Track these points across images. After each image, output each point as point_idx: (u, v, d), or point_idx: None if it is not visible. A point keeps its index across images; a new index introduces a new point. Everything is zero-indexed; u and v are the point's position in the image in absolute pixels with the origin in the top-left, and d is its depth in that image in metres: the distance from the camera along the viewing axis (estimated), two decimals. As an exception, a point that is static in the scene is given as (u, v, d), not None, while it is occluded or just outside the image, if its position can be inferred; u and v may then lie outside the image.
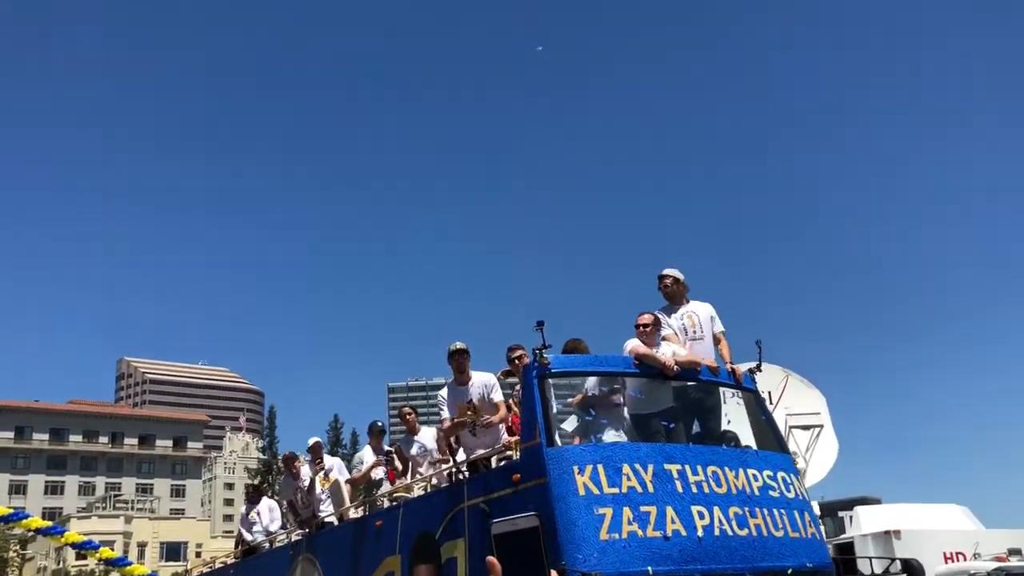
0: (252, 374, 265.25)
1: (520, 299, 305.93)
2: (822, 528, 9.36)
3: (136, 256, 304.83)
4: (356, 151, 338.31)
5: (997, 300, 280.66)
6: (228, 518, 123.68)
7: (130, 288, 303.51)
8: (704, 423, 9.05)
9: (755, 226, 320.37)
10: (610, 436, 8.38)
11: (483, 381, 9.51)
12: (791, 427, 17.23)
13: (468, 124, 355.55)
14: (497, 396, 9.45)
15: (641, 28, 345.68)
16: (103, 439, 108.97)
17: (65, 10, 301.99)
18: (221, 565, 17.65)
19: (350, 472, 12.70)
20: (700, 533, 7.44)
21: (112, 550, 26.01)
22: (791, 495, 8.33)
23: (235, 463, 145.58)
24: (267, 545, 14.59)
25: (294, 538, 13.28)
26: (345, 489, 12.16)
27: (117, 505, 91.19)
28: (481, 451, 9.14)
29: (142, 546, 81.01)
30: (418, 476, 10.80)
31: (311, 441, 13.16)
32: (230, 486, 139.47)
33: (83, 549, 21.65)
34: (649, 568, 7.12)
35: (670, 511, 7.45)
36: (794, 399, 18.37)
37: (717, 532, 7.52)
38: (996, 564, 15.91)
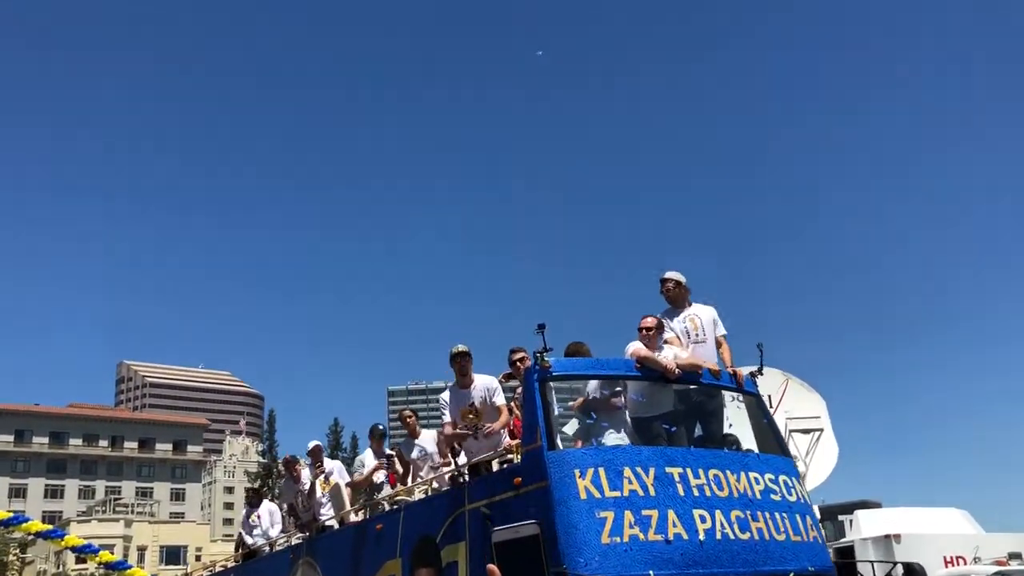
0: (252, 378, 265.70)
1: (520, 300, 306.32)
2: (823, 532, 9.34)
3: (136, 259, 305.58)
4: (356, 151, 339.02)
5: (997, 301, 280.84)
6: (228, 522, 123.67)
7: (130, 291, 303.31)
8: (706, 426, 9.04)
9: (755, 226, 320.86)
10: (611, 439, 8.37)
11: (485, 385, 9.47)
12: (791, 431, 17.20)
13: (468, 124, 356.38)
14: (499, 400, 9.42)
15: (641, 29, 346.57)
16: (103, 443, 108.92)
17: (65, 10, 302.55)
18: (221, 569, 17.65)
19: (350, 475, 12.67)
20: (702, 537, 7.44)
21: (112, 554, 25.95)
22: (793, 499, 8.32)
23: (235, 467, 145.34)
24: (267, 549, 14.57)
25: (294, 542, 13.27)
26: (345, 492, 12.14)
27: (117, 509, 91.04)
28: (482, 455, 9.12)
29: (142, 550, 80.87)
30: (419, 479, 10.79)
31: (311, 444, 13.14)
32: (230, 490, 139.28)
33: (83, 553, 21.58)
34: (651, 572, 7.11)
35: (672, 515, 7.44)
36: (794, 403, 18.35)
37: (719, 536, 7.52)
38: (996, 568, 15.87)
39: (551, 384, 8.18)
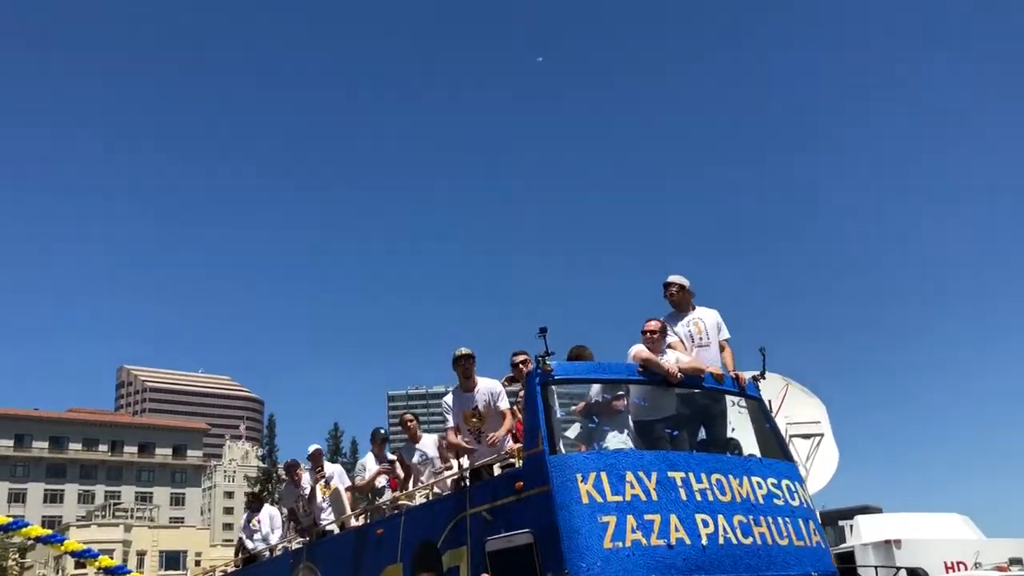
0: (252, 382, 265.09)
1: (521, 301, 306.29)
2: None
3: (136, 259, 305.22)
4: (356, 151, 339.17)
5: (998, 300, 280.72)
6: (228, 526, 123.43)
7: (130, 292, 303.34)
8: (709, 430, 9.02)
9: (755, 226, 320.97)
10: (613, 443, 8.35)
11: (489, 388, 9.40)
12: (791, 436, 17.16)
13: (468, 124, 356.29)
14: (504, 404, 9.34)
15: (641, 29, 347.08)
16: (103, 447, 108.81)
17: (65, 10, 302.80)
18: (221, 574, 17.61)
19: (351, 480, 12.64)
20: (704, 541, 7.42)
21: (111, 559, 25.97)
22: (796, 503, 8.30)
23: (235, 471, 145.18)
24: (267, 553, 14.54)
25: (295, 546, 13.24)
26: (346, 497, 12.11)
27: (116, 513, 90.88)
28: (484, 459, 9.09)
29: (141, 555, 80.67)
30: (420, 484, 10.75)
31: (311, 448, 13.11)
32: (230, 494, 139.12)
33: (82, 558, 21.54)
34: (653, 576, 7.10)
35: (674, 519, 7.43)
36: (794, 407, 18.32)
37: (721, 540, 7.50)
38: (997, 574, 15.84)
39: (553, 388, 8.16)
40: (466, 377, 9.43)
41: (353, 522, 11.78)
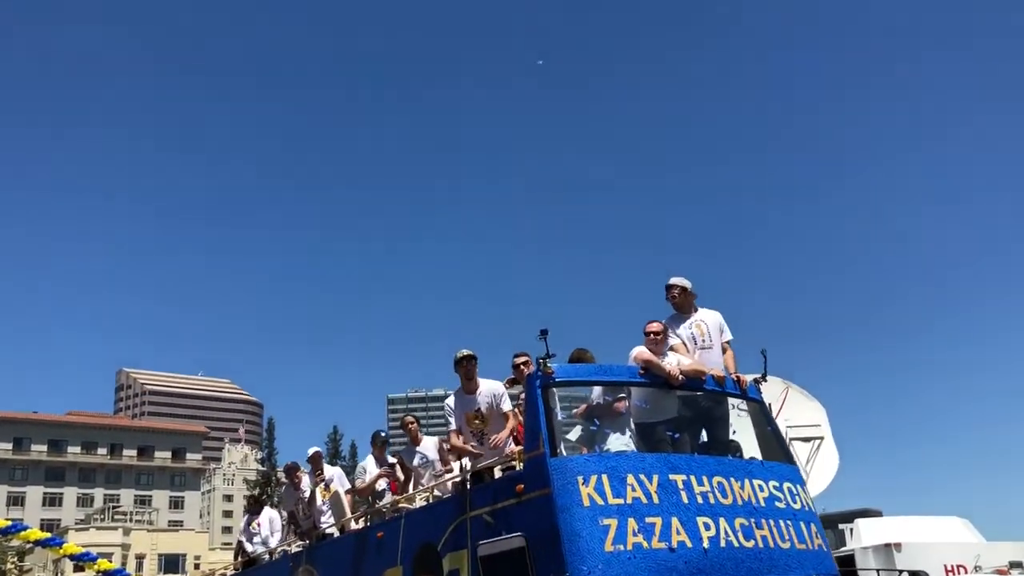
0: (251, 385, 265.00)
1: (521, 301, 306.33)
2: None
3: (136, 259, 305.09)
4: (356, 151, 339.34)
5: (998, 300, 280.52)
6: (227, 530, 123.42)
7: (130, 292, 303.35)
8: (711, 433, 9.00)
9: (755, 226, 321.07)
10: (615, 446, 8.33)
11: (492, 390, 9.35)
12: (791, 439, 17.15)
13: (468, 124, 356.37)
14: (506, 406, 9.29)
15: (641, 28, 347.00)
16: (102, 451, 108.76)
17: (65, 10, 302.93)
18: (220, 577, 17.59)
19: (351, 483, 12.62)
20: (706, 545, 7.40)
21: (110, 562, 25.88)
22: (797, 506, 8.29)
23: (234, 475, 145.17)
24: (267, 556, 14.51)
25: (294, 549, 13.21)
26: (346, 500, 12.09)
27: (115, 517, 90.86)
28: (485, 461, 9.07)
29: (140, 558, 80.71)
30: (420, 487, 10.73)
31: (311, 451, 13.09)
32: (229, 498, 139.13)
33: (81, 561, 21.44)
34: (654, 580, 7.08)
35: (675, 522, 7.41)
36: (794, 411, 18.31)
37: (723, 544, 7.48)
38: (998, 577, 15.84)
39: (554, 390, 8.14)
40: (468, 379, 9.37)
41: (353, 525, 11.76)
